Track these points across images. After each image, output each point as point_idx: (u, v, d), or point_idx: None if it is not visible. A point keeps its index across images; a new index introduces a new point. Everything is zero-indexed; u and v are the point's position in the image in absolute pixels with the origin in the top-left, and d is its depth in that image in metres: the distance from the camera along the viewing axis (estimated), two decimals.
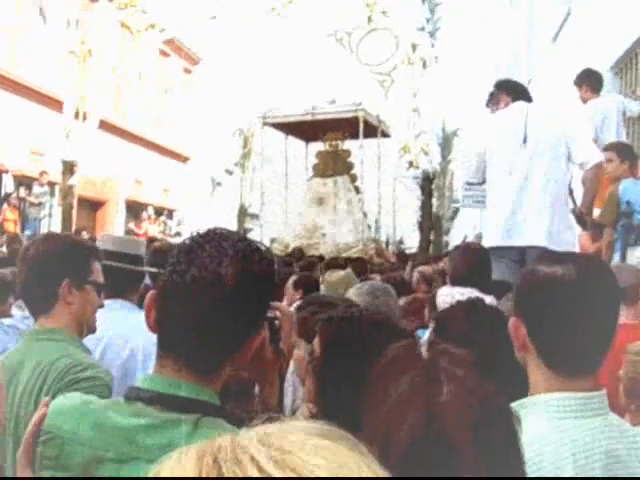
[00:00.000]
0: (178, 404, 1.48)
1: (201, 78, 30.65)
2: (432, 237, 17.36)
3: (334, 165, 17.18)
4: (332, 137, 17.42)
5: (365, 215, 17.31)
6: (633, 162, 6.47)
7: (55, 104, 18.32)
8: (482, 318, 2.27)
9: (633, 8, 8.02)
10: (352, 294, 4.29)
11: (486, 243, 5.45)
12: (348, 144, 17.66)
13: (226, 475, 0.62)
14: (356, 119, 16.06)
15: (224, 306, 1.49)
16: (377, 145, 17.60)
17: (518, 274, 1.97)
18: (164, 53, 27.06)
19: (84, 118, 15.57)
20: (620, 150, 6.58)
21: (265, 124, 17.60)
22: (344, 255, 12.94)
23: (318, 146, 18.34)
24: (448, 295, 4.37)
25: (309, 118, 16.55)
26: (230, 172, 28.33)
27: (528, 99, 5.59)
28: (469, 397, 1.12)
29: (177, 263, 1.54)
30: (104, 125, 18.64)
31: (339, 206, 16.44)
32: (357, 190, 17.28)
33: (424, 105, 17.39)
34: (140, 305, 3.00)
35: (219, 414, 1.52)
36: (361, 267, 8.42)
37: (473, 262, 4.42)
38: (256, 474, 0.61)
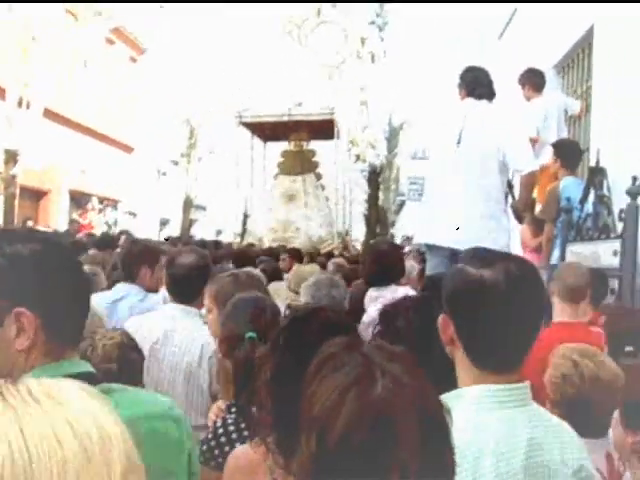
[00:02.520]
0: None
1: (147, 67, 30.26)
2: (378, 230, 17.51)
3: (301, 164, 18.06)
4: (297, 137, 18.26)
5: (330, 210, 18.18)
6: (569, 161, 6.61)
7: None
8: (426, 313, 2.32)
9: (576, 9, 8.19)
10: (302, 287, 4.50)
11: (418, 239, 5.61)
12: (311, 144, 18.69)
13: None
14: (329, 122, 17.11)
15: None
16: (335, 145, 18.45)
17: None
18: (110, 41, 26.64)
19: (27, 106, 15.27)
20: (555, 148, 6.75)
21: (241, 123, 18.20)
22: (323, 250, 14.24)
23: (277, 145, 19.23)
24: (368, 296, 4.55)
25: (285, 119, 17.37)
26: (176, 163, 28.10)
27: (486, 94, 5.60)
28: (402, 392, 1.17)
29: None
30: (48, 114, 18.31)
31: (309, 202, 17.36)
32: (322, 188, 18.30)
33: (372, 99, 17.51)
34: None
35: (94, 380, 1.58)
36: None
37: (384, 262, 4.58)
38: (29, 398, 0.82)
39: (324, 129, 17.28)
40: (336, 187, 18.34)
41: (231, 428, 2.52)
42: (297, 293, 5.14)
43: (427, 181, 5.85)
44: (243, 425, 2.50)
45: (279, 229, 16.82)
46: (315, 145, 18.79)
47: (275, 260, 8.61)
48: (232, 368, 2.76)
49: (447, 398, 1.42)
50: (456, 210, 5.31)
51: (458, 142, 5.38)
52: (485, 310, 1.73)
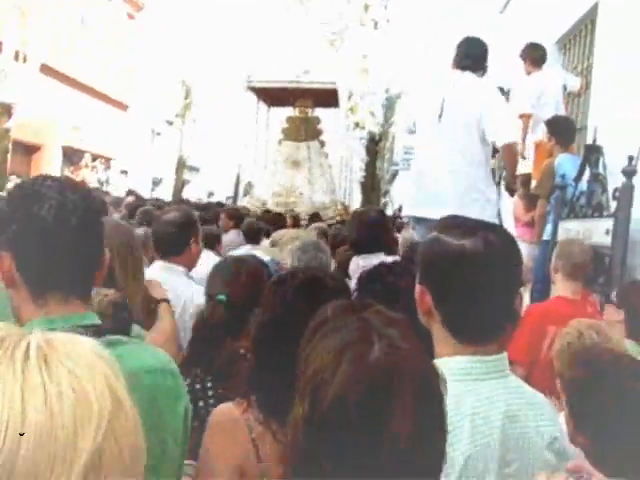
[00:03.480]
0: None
1: (144, 25, 29.93)
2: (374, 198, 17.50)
3: (306, 130, 18.20)
4: (302, 104, 18.34)
5: (332, 177, 18.48)
6: (563, 138, 6.62)
7: None
8: (403, 278, 2.34)
9: None
10: (288, 250, 4.56)
11: (406, 212, 5.65)
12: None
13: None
14: (334, 91, 17.60)
15: (79, 241, 1.65)
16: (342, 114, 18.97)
17: None
18: None
19: (24, 60, 15.11)
20: (549, 126, 6.76)
21: (249, 88, 18.49)
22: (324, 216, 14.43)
23: (280, 110, 19.49)
24: (354, 263, 4.59)
25: (294, 86, 17.65)
26: (170, 123, 27.91)
27: (470, 66, 5.59)
28: (398, 355, 1.18)
29: (19, 215, 1.64)
30: (44, 69, 18.16)
31: (313, 169, 17.59)
32: (325, 155, 18.53)
33: (373, 67, 17.40)
34: None
35: (101, 332, 1.66)
36: None
37: (368, 230, 4.60)
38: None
39: (329, 97, 17.58)
40: (341, 155, 18.43)
41: None
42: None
43: (414, 155, 5.89)
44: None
45: (283, 193, 16.98)
46: (319, 112, 18.87)
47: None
48: (193, 326, 2.82)
49: None
50: (441, 183, 5.35)
51: (440, 115, 5.40)
52: (463, 280, 1.72)
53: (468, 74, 5.51)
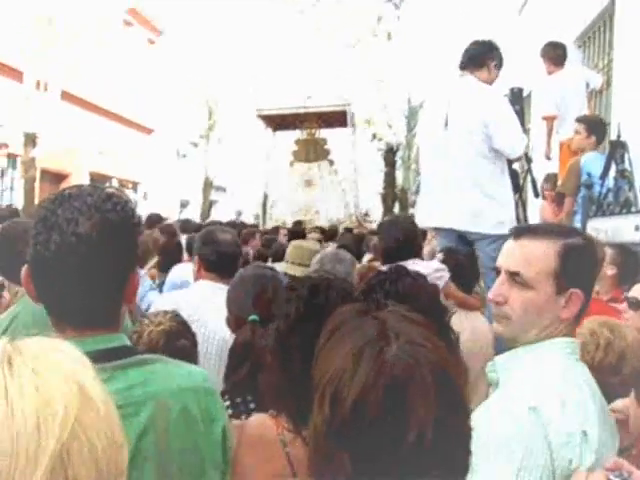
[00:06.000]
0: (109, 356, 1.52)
1: (165, 49, 30.23)
2: (397, 210, 17.49)
3: (315, 151, 19.26)
4: (309, 126, 19.31)
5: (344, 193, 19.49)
6: (600, 137, 6.53)
7: (15, 74, 17.95)
8: (409, 285, 2.35)
9: None
10: (312, 262, 4.55)
11: (420, 224, 5.61)
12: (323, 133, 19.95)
13: None
14: (342, 113, 18.53)
15: (94, 261, 1.53)
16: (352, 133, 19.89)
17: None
18: (127, 23, 26.65)
19: (45, 89, 15.29)
20: (589, 124, 6.64)
21: (259, 116, 19.46)
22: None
23: (285, 134, 20.44)
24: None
25: (302, 111, 18.65)
26: (195, 144, 28.12)
27: (465, 63, 5.53)
28: (417, 353, 1.15)
29: (38, 234, 1.55)
30: (66, 96, 18.37)
31: (326, 187, 18.73)
32: (335, 173, 19.56)
33: (390, 78, 17.43)
34: None
35: (132, 352, 1.61)
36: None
37: (403, 236, 4.51)
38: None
39: (337, 118, 18.48)
40: (354, 168, 18.88)
41: None
42: (302, 265, 5.16)
43: (421, 167, 5.85)
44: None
45: (300, 212, 17.87)
46: (327, 132, 19.79)
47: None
48: (231, 350, 2.76)
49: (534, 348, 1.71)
50: (453, 192, 5.30)
51: (446, 123, 5.35)
52: None
53: (471, 78, 5.44)
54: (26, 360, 0.85)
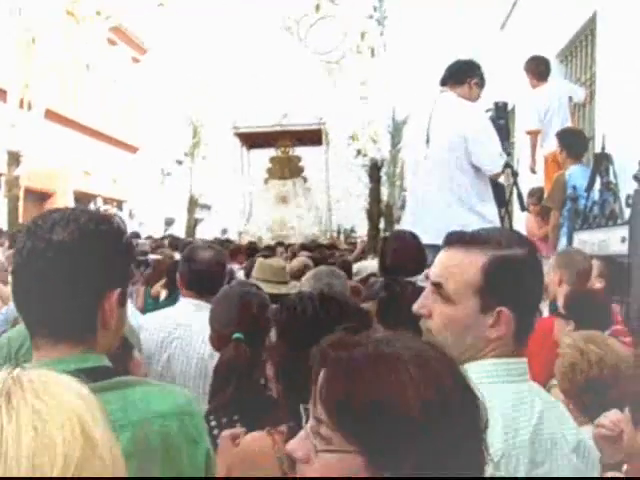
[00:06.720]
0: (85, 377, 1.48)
1: (149, 67, 30.21)
2: (383, 225, 17.52)
3: (289, 169, 19.69)
4: (283, 144, 19.81)
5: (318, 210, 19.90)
6: (574, 150, 6.55)
7: None
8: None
9: None
10: (303, 280, 4.49)
11: None
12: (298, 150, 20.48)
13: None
14: (318, 131, 19.00)
15: (63, 267, 1.50)
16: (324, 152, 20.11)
17: None
18: (112, 42, 26.62)
19: (29, 107, 15.24)
20: (559, 138, 6.70)
21: (236, 134, 20.03)
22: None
23: (259, 152, 20.91)
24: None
25: (278, 129, 19.10)
26: (180, 162, 28.07)
27: (445, 78, 5.56)
28: (424, 372, 1.12)
29: (18, 243, 1.56)
30: (51, 115, 18.30)
31: (300, 203, 19.13)
32: (309, 190, 20.04)
33: (373, 93, 17.52)
34: None
35: (110, 374, 1.55)
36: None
37: (407, 251, 4.45)
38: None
39: (312, 136, 18.86)
40: (327, 186, 19.65)
41: None
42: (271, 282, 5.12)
43: (407, 181, 5.89)
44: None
45: (276, 228, 18.38)
46: (305, 149, 20.23)
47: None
48: (215, 368, 2.73)
49: None
50: (433, 208, 5.31)
51: (427, 140, 5.37)
52: None
53: (450, 94, 5.47)
54: (27, 396, 0.77)
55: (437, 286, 1.76)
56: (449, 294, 1.73)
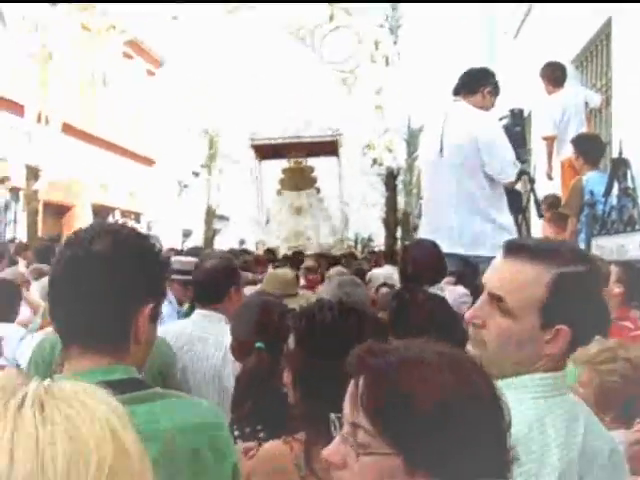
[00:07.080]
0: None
1: (165, 80, 30.37)
2: (400, 234, 17.49)
3: (302, 180, 19.63)
4: (296, 155, 19.67)
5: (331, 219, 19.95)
6: (590, 156, 6.52)
7: (16, 108, 18.03)
8: (436, 310, 2.33)
9: (592, 3, 8.10)
10: (322, 287, 4.50)
11: None
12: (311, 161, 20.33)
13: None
14: (333, 142, 18.99)
15: (98, 278, 1.51)
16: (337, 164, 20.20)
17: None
18: (127, 55, 26.81)
19: (47, 122, 15.36)
20: (575, 145, 6.67)
21: (252, 146, 20.03)
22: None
23: (271, 163, 20.82)
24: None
25: (295, 141, 19.09)
26: (196, 174, 28.17)
27: (458, 88, 5.57)
28: (459, 376, 1.16)
29: (58, 253, 1.57)
30: (67, 129, 18.42)
31: (315, 214, 19.17)
32: (322, 201, 20.01)
33: (388, 102, 17.51)
34: None
35: (141, 386, 1.54)
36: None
37: (428, 260, 4.43)
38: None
39: (326, 147, 18.91)
40: (341, 195, 19.79)
41: None
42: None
43: (423, 190, 5.91)
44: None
45: (292, 239, 18.40)
46: (319, 159, 20.09)
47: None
48: (237, 378, 2.74)
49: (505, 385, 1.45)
50: (450, 217, 5.30)
51: (441, 149, 5.37)
52: None
53: (463, 103, 5.47)
54: (59, 404, 0.80)
55: (496, 298, 1.72)
56: (509, 308, 1.69)
